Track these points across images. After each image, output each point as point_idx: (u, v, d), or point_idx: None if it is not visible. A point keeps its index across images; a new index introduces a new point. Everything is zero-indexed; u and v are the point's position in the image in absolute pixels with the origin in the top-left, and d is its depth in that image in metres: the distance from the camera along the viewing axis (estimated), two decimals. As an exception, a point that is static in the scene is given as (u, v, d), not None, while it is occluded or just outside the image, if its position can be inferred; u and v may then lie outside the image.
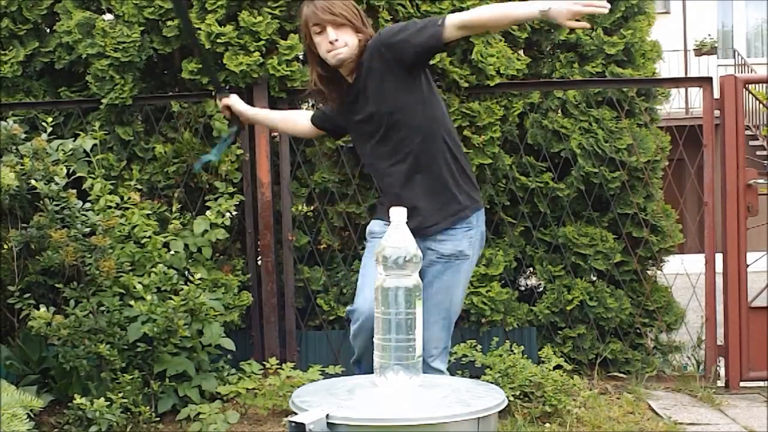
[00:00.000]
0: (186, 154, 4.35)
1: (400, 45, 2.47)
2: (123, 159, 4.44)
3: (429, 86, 2.59)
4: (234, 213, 4.35)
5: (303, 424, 1.48)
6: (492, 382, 3.20)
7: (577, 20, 2.33)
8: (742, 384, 4.32)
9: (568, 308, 4.40)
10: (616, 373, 4.46)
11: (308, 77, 2.72)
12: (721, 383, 4.36)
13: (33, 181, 3.52)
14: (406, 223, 2.11)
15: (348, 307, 2.63)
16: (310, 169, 4.48)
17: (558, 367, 3.96)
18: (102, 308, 3.67)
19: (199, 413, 3.65)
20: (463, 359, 3.99)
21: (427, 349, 2.52)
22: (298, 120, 3.01)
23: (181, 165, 4.36)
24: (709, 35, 14.16)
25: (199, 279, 3.79)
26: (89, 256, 3.56)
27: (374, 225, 2.69)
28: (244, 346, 4.29)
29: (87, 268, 3.57)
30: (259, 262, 4.41)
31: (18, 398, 2.29)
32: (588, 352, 4.44)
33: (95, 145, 4.07)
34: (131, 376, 3.61)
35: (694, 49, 13.99)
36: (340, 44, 2.52)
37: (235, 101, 3.05)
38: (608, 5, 2.31)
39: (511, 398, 3.71)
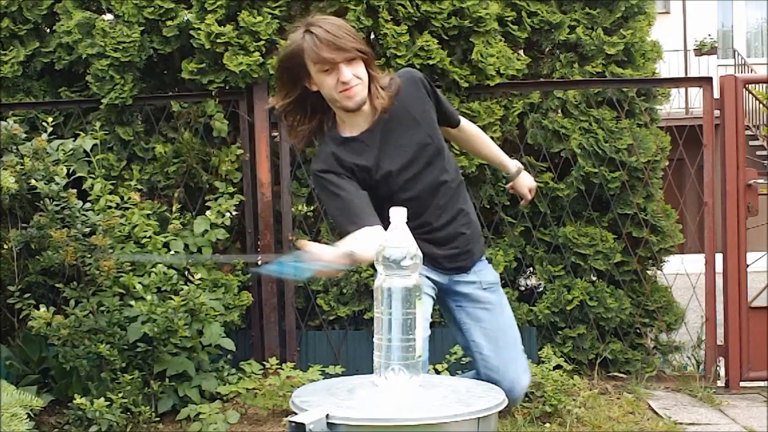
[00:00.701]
0: (186, 154, 4.35)
1: (438, 95, 2.39)
2: (123, 159, 4.43)
3: None
4: (234, 213, 4.35)
5: (303, 424, 1.48)
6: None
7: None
8: (742, 384, 4.32)
9: (568, 308, 4.40)
10: (616, 373, 4.46)
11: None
12: (721, 383, 4.36)
13: (33, 181, 3.53)
14: (456, 263, 2.34)
15: None
16: (310, 169, 4.47)
17: (558, 367, 3.96)
18: (102, 308, 3.67)
19: (199, 413, 3.65)
20: (463, 359, 3.99)
21: (518, 380, 2.38)
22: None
23: (181, 165, 4.36)
24: (709, 35, 14.15)
25: (199, 279, 3.79)
26: (89, 256, 3.56)
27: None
28: (244, 346, 4.29)
29: (87, 268, 3.58)
30: (259, 262, 4.40)
31: (18, 398, 2.29)
32: (588, 352, 4.43)
33: (95, 145, 4.07)
34: (131, 376, 3.61)
35: (694, 49, 13.97)
36: (355, 82, 2.16)
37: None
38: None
39: (511, 398, 3.71)
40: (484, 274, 2.44)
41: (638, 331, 4.58)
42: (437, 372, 3.82)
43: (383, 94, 2.23)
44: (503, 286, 4.28)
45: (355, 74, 2.16)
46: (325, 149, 2.30)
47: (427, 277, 2.34)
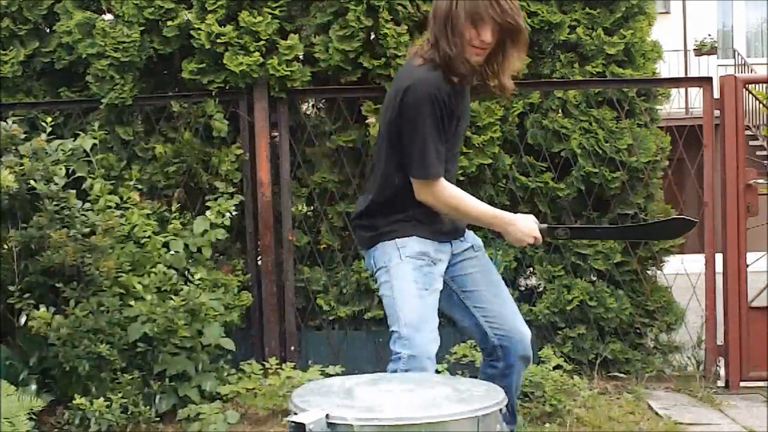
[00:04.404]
0: (186, 154, 4.35)
1: None
2: (123, 159, 4.44)
3: None
4: (234, 213, 4.35)
5: (303, 424, 1.48)
6: (492, 382, 3.19)
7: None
8: (742, 384, 4.31)
9: (568, 308, 4.40)
10: (616, 373, 4.46)
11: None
12: (721, 383, 4.36)
13: (32, 182, 3.52)
14: (457, 225, 2.55)
15: (398, 346, 2.38)
16: (310, 169, 4.48)
17: (558, 367, 3.96)
18: (102, 308, 3.66)
19: (199, 413, 3.65)
20: (463, 359, 3.99)
21: (526, 332, 2.61)
22: None
23: (181, 165, 4.36)
24: (709, 35, 14.14)
25: (199, 279, 3.80)
26: (89, 256, 3.55)
27: (421, 245, 2.47)
28: (244, 346, 4.28)
29: (87, 268, 3.57)
30: (259, 262, 4.41)
31: (18, 404, 2.28)
32: (588, 352, 4.43)
33: (95, 145, 4.07)
34: (131, 376, 3.61)
35: (694, 49, 13.97)
36: (486, 50, 2.38)
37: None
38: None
39: (511, 398, 3.70)
40: (472, 238, 2.66)
41: (638, 331, 4.58)
42: (437, 372, 3.81)
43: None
44: (503, 285, 4.33)
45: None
46: (440, 81, 2.38)
47: (440, 260, 2.51)
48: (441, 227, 2.51)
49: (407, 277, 2.43)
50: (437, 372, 3.79)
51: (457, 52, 2.34)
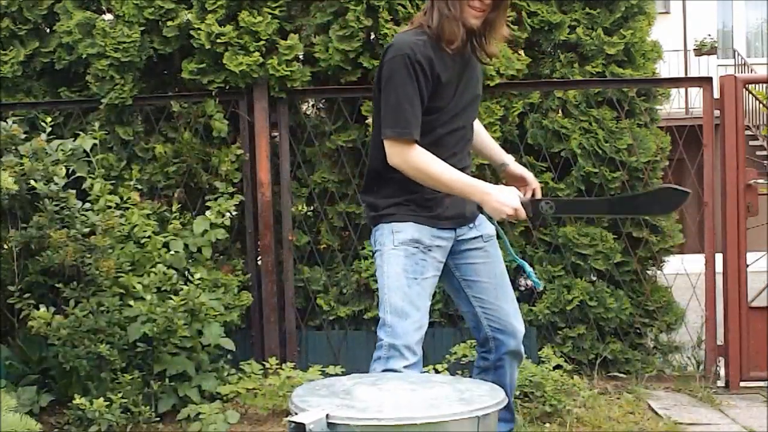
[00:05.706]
0: (186, 154, 4.35)
1: None
2: (123, 159, 4.44)
3: None
4: (234, 213, 4.35)
5: (303, 424, 1.48)
6: (492, 382, 3.19)
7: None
8: (742, 384, 4.31)
9: (568, 308, 4.40)
10: (616, 373, 4.46)
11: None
12: (721, 383, 4.36)
13: (32, 182, 3.52)
14: (463, 210, 2.49)
15: (382, 333, 2.40)
16: (310, 169, 4.48)
17: (558, 367, 3.96)
18: (102, 308, 3.66)
19: (199, 413, 3.65)
20: (463, 359, 3.99)
21: (520, 329, 2.62)
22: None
23: (181, 165, 4.36)
24: (709, 35, 14.15)
25: (199, 279, 3.79)
26: (89, 256, 3.56)
27: (416, 232, 2.45)
28: (244, 346, 4.29)
29: (87, 268, 3.57)
30: (259, 262, 4.41)
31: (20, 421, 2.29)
32: (588, 352, 4.43)
33: (95, 145, 4.07)
34: (131, 376, 3.61)
35: (694, 49, 13.98)
36: (485, 8, 2.37)
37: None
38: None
39: (511, 398, 3.70)
40: (484, 227, 2.61)
41: (638, 331, 4.58)
42: (437, 372, 3.82)
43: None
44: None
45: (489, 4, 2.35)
46: (419, 43, 2.37)
47: (438, 246, 2.47)
48: (442, 212, 2.47)
49: (398, 264, 2.43)
50: (436, 371, 3.81)
51: (456, 12, 2.34)
